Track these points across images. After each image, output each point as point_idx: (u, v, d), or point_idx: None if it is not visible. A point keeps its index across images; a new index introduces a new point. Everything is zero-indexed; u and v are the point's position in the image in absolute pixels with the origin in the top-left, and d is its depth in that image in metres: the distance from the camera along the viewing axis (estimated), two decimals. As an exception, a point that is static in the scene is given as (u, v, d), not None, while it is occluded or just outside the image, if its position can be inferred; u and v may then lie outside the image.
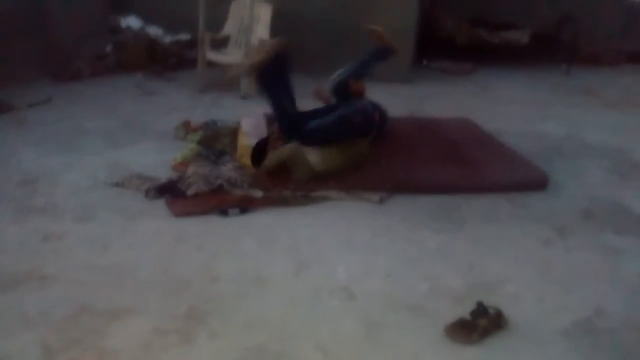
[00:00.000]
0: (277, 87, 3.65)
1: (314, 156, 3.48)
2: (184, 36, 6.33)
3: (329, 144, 3.59)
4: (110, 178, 3.45)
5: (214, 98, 5.29)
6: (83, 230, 2.91)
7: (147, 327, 2.21)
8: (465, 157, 3.93)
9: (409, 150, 3.93)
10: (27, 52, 5.24)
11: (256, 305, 2.39)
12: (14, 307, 2.31)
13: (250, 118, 4.11)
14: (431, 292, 2.53)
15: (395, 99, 5.15)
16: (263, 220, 3.12)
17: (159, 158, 3.79)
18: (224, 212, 3.12)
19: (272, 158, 3.48)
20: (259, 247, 2.85)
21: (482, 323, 2.24)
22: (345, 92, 3.84)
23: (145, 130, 4.37)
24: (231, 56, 5.61)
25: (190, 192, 3.25)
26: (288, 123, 3.66)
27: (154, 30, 6.32)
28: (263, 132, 3.88)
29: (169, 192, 3.27)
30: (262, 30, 5.47)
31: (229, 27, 5.78)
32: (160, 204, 3.19)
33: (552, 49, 7.20)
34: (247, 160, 3.59)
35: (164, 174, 3.51)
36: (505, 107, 5.53)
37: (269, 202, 3.26)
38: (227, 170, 3.52)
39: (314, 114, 3.76)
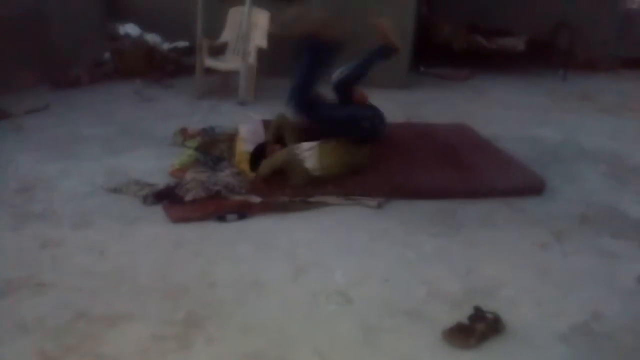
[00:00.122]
0: (315, 63, 3.68)
1: (310, 162, 3.49)
2: (182, 43, 6.35)
3: (329, 134, 3.63)
4: (108, 184, 3.46)
5: (212, 104, 5.30)
6: (81, 236, 2.91)
7: (145, 333, 2.21)
8: (463, 162, 3.94)
9: (406, 156, 3.94)
10: (25, 59, 5.25)
11: (254, 310, 2.39)
12: (11, 313, 2.31)
13: (248, 124, 4.13)
14: (429, 296, 2.54)
15: (393, 104, 5.16)
16: (261, 225, 3.12)
17: (156, 164, 3.79)
18: (221, 218, 3.12)
19: (266, 165, 3.49)
20: (256, 252, 2.85)
21: (479, 327, 2.25)
22: (346, 90, 3.85)
23: (143, 136, 4.37)
24: (229, 63, 5.63)
25: (188, 198, 3.25)
26: (303, 98, 3.69)
27: (152, 38, 6.34)
28: (261, 138, 3.89)
29: (167, 198, 3.27)
30: (259, 37, 5.49)
31: (227, 34, 5.80)
32: (157, 210, 3.19)
33: (548, 55, 7.25)
34: (245, 166, 3.60)
35: (161, 180, 3.51)
36: (502, 112, 5.56)
37: (266, 207, 3.26)
38: (225, 176, 3.52)
39: (329, 104, 3.82)
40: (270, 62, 5.69)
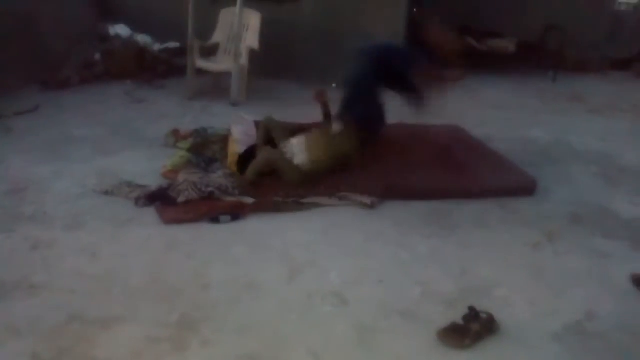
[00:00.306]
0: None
1: (300, 157, 3.49)
2: (173, 44, 6.32)
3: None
4: (100, 186, 3.43)
5: (204, 105, 5.28)
6: (72, 238, 2.89)
7: (139, 336, 2.19)
8: (456, 162, 3.95)
9: (399, 156, 3.95)
10: (15, 60, 5.19)
11: (248, 311, 2.38)
12: (3, 316, 2.28)
13: (241, 125, 4.12)
14: (423, 297, 2.54)
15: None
16: (254, 226, 3.11)
17: (148, 166, 3.77)
18: (215, 219, 3.11)
19: (251, 170, 3.47)
20: (250, 253, 2.84)
21: (474, 327, 2.26)
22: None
23: (135, 138, 4.34)
24: (220, 64, 5.61)
25: (180, 199, 3.23)
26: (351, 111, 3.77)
27: (142, 38, 6.30)
28: (253, 139, 3.88)
29: (159, 199, 3.25)
30: (251, 38, 5.48)
31: (218, 35, 5.78)
32: (150, 212, 3.17)
33: (539, 57, 7.30)
34: (236, 167, 3.59)
35: (154, 182, 3.49)
36: (493, 113, 5.59)
37: (260, 208, 3.26)
38: (217, 177, 3.51)
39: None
40: (262, 63, 5.69)
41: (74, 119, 4.73)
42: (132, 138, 4.33)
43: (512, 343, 2.28)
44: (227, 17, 5.72)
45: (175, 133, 4.28)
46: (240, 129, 4.05)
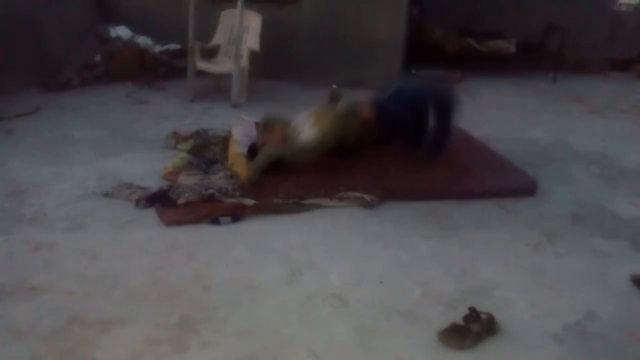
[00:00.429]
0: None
1: (307, 133, 3.57)
2: (174, 46, 6.34)
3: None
4: (100, 188, 3.44)
5: (205, 107, 5.29)
6: (73, 240, 2.89)
7: (139, 337, 2.19)
8: (456, 163, 3.95)
9: (399, 157, 3.95)
10: (15, 62, 5.21)
11: (249, 313, 2.38)
12: (3, 318, 2.28)
13: (241, 126, 4.12)
14: (424, 297, 2.54)
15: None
16: (255, 228, 3.11)
17: (149, 167, 3.78)
18: (215, 221, 3.11)
19: (253, 168, 3.48)
20: (251, 255, 2.85)
21: (474, 328, 2.25)
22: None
23: (135, 139, 4.35)
24: (221, 65, 5.62)
25: (181, 201, 3.24)
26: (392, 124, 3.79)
27: (143, 40, 6.33)
28: (253, 140, 3.89)
29: (160, 201, 3.26)
30: (251, 40, 5.49)
31: (219, 37, 5.79)
32: (150, 214, 3.17)
33: (539, 58, 7.30)
34: (238, 168, 3.59)
35: (154, 183, 3.50)
36: (494, 113, 5.59)
37: (260, 210, 3.26)
38: (218, 179, 3.51)
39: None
40: (262, 64, 5.70)
41: (75, 120, 4.74)
42: (132, 140, 4.34)
43: (512, 343, 2.27)
44: (227, 19, 5.73)
45: (175, 134, 4.29)
46: (240, 130, 4.06)
